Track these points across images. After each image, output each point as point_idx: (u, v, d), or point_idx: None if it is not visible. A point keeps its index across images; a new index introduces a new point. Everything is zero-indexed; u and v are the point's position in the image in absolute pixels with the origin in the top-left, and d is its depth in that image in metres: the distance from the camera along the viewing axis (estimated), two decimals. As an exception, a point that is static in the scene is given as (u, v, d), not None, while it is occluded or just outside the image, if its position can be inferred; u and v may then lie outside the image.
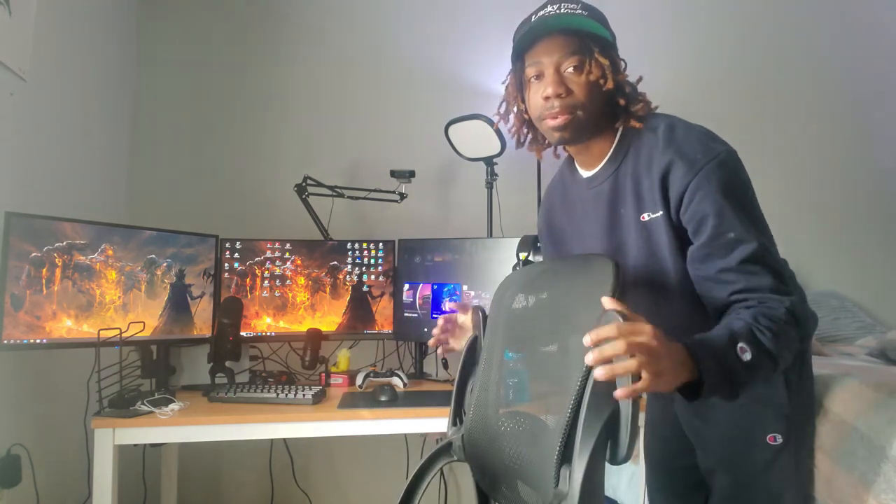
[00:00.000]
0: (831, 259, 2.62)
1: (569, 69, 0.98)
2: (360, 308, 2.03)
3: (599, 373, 0.70)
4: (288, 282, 1.98)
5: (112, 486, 1.42)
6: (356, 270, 2.03)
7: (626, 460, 0.76)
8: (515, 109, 1.09)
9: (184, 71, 2.34)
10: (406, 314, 2.03)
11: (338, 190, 2.14)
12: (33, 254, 1.49)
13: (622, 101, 1.02)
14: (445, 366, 2.06)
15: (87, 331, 1.58)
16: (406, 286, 2.04)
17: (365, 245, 2.04)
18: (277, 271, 1.98)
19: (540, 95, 1.00)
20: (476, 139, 2.05)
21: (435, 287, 1.99)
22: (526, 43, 1.01)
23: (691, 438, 1.17)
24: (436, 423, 1.54)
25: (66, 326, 1.55)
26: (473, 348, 1.12)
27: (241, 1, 2.40)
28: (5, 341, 1.43)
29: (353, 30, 2.44)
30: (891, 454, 1.08)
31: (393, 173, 2.13)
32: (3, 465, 1.45)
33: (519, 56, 1.04)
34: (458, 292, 1.96)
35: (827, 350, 2.06)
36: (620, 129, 1.04)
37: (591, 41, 0.99)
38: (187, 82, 2.34)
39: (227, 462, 2.26)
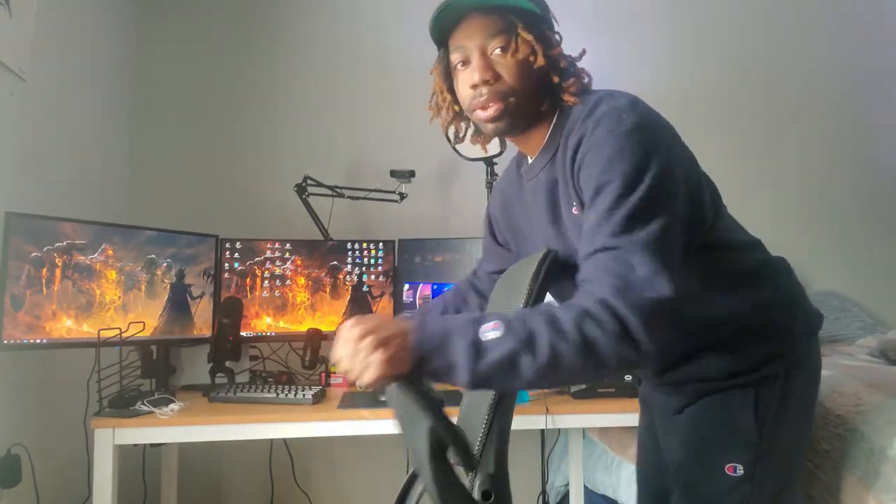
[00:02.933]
0: (832, 259, 2.62)
1: (496, 51, 0.89)
2: (361, 308, 2.02)
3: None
4: (288, 282, 1.98)
5: (112, 486, 1.41)
6: (356, 270, 2.03)
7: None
8: (445, 102, 1.01)
9: (184, 71, 2.34)
10: (406, 314, 2.02)
11: (338, 190, 2.13)
12: (33, 254, 1.49)
13: (556, 78, 0.92)
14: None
15: (87, 331, 1.58)
16: (406, 286, 2.04)
17: (365, 245, 2.04)
18: (277, 271, 1.98)
19: (467, 84, 0.92)
20: (476, 139, 2.05)
21: (435, 287, 1.99)
22: (446, 26, 0.92)
23: (663, 449, 1.07)
24: (436, 423, 1.54)
25: (66, 326, 1.55)
26: None
27: (241, 1, 2.40)
28: (5, 341, 1.43)
29: (353, 29, 2.44)
30: (891, 454, 1.08)
31: (393, 173, 2.13)
32: (3, 465, 1.45)
33: (442, 42, 0.95)
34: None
35: (827, 350, 2.06)
36: (557, 111, 0.94)
37: (514, 16, 0.89)
38: (187, 82, 2.34)
39: (227, 462, 2.26)
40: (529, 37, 0.88)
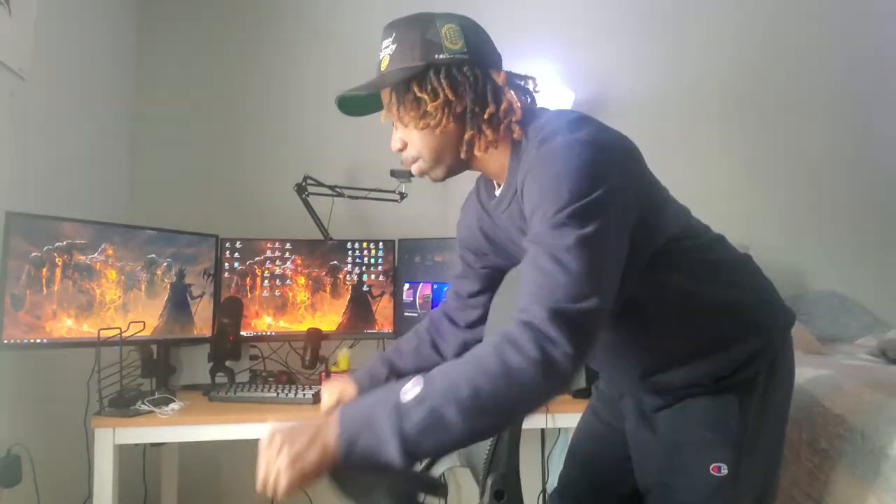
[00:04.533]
0: (832, 259, 2.62)
1: (398, 120, 0.95)
2: (360, 308, 2.03)
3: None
4: (288, 281, 1.98)
5: (112, 486, 1.42)
6: (356, 270, 2.03)
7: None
8: None
9: (184, 71, 2.34)
10: (406, 314, 2.03)
11: (338, 190, 2.13)
12: (33, 254, 1.49)
13: (468, 133, 0.89)
14: (445, 366, 2.06)
15: (88, 330, 1.58)
16: (406, 286, 2.04)
17: (365, 245, 2.04)
18: (277, 271, 1.98)
19: None
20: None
21: (435, 287, 1.99)
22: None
23: (631, 449, 1.06)
24: (436, 422, 1.54)
25: (67, 326, 1.55)
26: None
27: (241, 1, 2.40)
28: (5, 341, 1.43)
29: (353, 29, 2.43)
30: (891, 454, 1.08)
31: (393, 173, 2.13)
32: (3, 465, 1.45)
33: None
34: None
35: (827, 350, 2.06)
36: (511, 140, 0.91)
37: (401, 85, 0.91)
38: (187, 82, 2.34)
39: (227, 462, 2.26)
40: (407, 107, 0.91)
